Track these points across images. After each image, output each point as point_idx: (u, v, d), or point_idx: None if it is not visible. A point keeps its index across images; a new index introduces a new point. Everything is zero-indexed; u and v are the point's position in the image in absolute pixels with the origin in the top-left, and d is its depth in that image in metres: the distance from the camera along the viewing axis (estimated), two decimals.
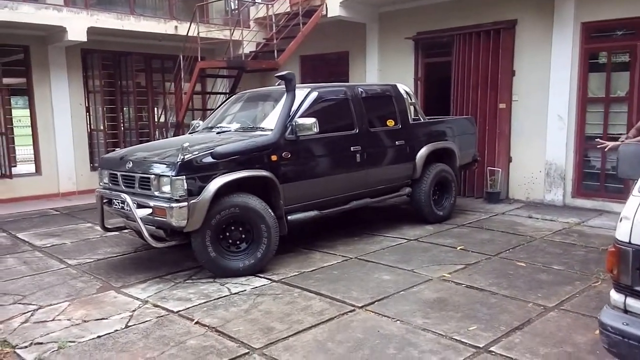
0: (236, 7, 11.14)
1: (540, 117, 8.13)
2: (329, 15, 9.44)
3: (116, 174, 5.42)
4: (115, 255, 6.03)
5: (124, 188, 5.31)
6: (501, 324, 3.85)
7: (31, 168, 10.21)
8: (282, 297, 4.54)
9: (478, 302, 4.30)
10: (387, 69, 9.99)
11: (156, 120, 11.22)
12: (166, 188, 4.83)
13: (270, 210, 5.19)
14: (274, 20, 9.49)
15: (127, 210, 5.02)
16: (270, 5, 9.75)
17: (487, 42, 8.41)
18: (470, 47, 8.60)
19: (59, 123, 9.88)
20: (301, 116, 5.60)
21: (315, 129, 5.45)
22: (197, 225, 4.84)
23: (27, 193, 9.61)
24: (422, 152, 6.95)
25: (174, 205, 4.73)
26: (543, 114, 8.09)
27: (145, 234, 4.86)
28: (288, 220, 5.51)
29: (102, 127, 10.44)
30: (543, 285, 4.68)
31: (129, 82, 10.76)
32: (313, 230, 6.71)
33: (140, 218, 4.87)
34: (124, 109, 10.88)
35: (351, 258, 5.65)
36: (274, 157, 5.33)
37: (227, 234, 5.11)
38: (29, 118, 9.84)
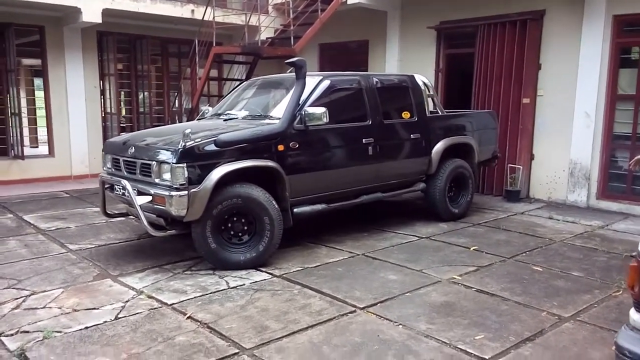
0: None
1: (566, 114, 7.74)
2: (349, 2, 9.14)
3: (119, 159, 5.27)
4: (117, 241, 5.90)
5: (125, 174, 5.16)
6: (511, 334, 3.59)
7: (44, 150, 10.18)
8: (281, 293, 4.33)
9: (488, 308, 4.04)
10: (407, 60, 9.66)
11: (172, 105, 11.09)
12: (166, 175, 4.66)
13: (274, 202, 4.99)
14: (291, 5, 9.21)
15: (128, 196, 4.86)
16: None
17: (512, 33, 8.02)
18: (495, 38, 8.22)
19: (73, 105, 9.82)
20: (311, 105, 5.36)
21: (325, 119, 5.21)
22: (198, 215, 4.66)
23: (40, 175, 9.58)
24: (439, 146, 6.65)
25: (173, 193, 4.55)
26: (569, 111, 7.70)
27: (145, 222, 4.70)
28: (294, 213, 5.31)
29: (116, 111, 10.34)
30: (560, 292, 4.39)
31: (144, 66, 10.64)
32: (322, 223, 6.50)
33: (140, 205, 4.70)
34: (139, 93, 10.77)
35: (358, 255, 5.42)
36: (280, 147, 5.11)
37: (229, 225, 4.92)
38: (43, 100, 9.79)
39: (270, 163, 5.03)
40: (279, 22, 10.24)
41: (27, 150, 9.82)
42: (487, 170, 8.47)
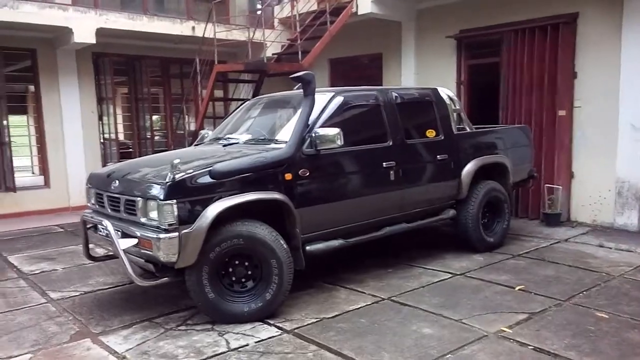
0: (260, 5, 10.26)
1: (609, 126, 6.90)
2: (359, 13, 8.48)
3: (102, 195, 4.54)
4: (106, 287, 5.15)
5: (109, 212, 4.43)
6: None
7: (39, 180, 9.52)
8: (292, 357, 3.53)
9: None
10: (425, 72, 8.92)
11: (174, 128, 10.43)
12: (153, 214, 3.91)
13: (282, 242, 4.21)
14: (297, 18, 8.53)
15: (110, 239, 4.12)
16: (295, 2, 8.82)
17: (542, 40, 7.24)
18: (523, 46, 7.45)
19: (69, 132, 9.19)
20: (322, 125, 4.61)
21: (340, 141, 4.45)
22: (192, 260, 3.90)
23: (34, 207, 8.92)
24: (469, 167, 5.85)
25: (162, 235, 3.80)
26: (612, 123, 6.86)
27: (129, 270, 3.94)
28: (306, 252, 4.52)
29: (115, 137, 9.69)
30: (637, 349, 3.53)
31: (144, 88, 10.01)
32: (338, 258, 5.69)
33: (124, 250, 3.95)
34: (140, 116, 10.12)
35: (383, 299, 4.60)
36: (288, 176, 4.35)
37: (230, 269, 4.15)
38: (33, 127, 9.17)
39: (276, 195, 4.26)
40: (286, 37, 9.57)
41: (20, 181, 9.16)
42: (520, 191, 7.63)
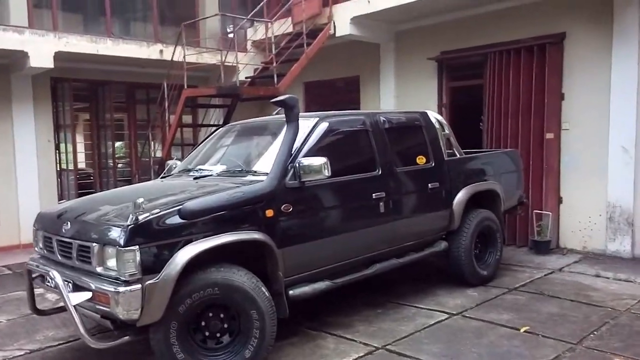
0: (231, 28, 9.83)
1: (599, 149, 6.64)
2: (337, 35, 8.13)
3: (51, 239, 3.93)
4: (56, 343, 4.47)
5: (59, 259, 3.82)
6: None
7: None
8: None
9: None
10: (405, 95, 8.60)
11: (140, 156, 9.79)
12: (111, 263, 3.33)
13: (264, 289, 3.67)
14: (273, 39, 8.12)
15: (59, 292, 3.51)
16: (269, 25, 8.41)
17: (528, 61, 7.00)
18: (508, 67, 7.19)
19: (22, 164, 8.41)
20: (307, 155, 4.14)
21: (327, 172, 3.98)
22: (157, 316, 3.32)
23: None
24: (461, 196, 5.46)
25: (121, 289, 3.22)
26: (602, 146, 6.60)
27: (81, 329, 3.32)
28: (289, 297, 3.99)
29: (73, 167, 8.98)
30: None
31: (107, 114, 9.36)
32: (320, 297, 5.11)
33: (75, 306, 3.35)
34: (102, 144, 9.44)
35: (377, 348, 4.09)
36: (269, 212, 3.84)
37: (203, 323, 3.58)
38: None
39: (256, 235, 3.74)
40: (259, 60, 9.13)
41: None
42: (507, 217, 7.26)
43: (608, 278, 5.75)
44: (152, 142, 9.52)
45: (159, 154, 9.49)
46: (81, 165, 9.43)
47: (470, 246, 5.48)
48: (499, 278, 5.84)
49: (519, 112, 7.13)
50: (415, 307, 5.03)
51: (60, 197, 8.64)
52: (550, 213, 6.96)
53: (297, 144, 4.11)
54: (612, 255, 6.60)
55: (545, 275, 5.97)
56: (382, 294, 5.41)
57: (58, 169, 9.00)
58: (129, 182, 9.04)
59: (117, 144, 9.77)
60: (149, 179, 9.15)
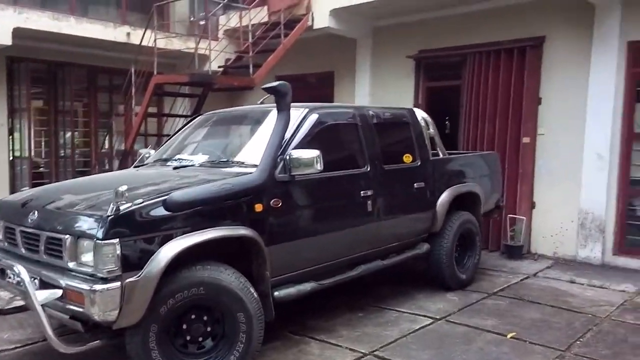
0: (203, 14, 9.41)
1: (573, 155, 6.68)
2: (315, 27, 7.90)
3: (14, 230, 3.53)
4: (12, 346, 4.04)
5: (23, 252, 3.44)
6: None
7: None
8: None
9: None
10: (381, 94, 8.45)
11: (100, 147, 9.25)
12: (87, 257, 3.00)
13: (252, 290, 3.42)
14: (250, 28, 7.81)
15: (24, 289, 3.13)
16: (246, 12, 8.09)
17: (508, 63, 6.99)
18: (487, 69, 7.16)
19: None
20: (297, 147, 3.91)
21: (319, 166, 3.76)
22: (137, 318, 3.01)
23: None
24: (444, 197, 5.35)
25: (98, 287, 2.89)
26: (577, 151, 6.65)
27: (49, 332, 2.97)
28: (275, 298, 3.75)
29: (28, 155, 8.37)
30: None
31: (66, 100, 8.78)
32: (301, 300, 4.90)
33: (42, 306, 2.99)
34: (59, 132, 8.84)
35: (365, 354, 3.90)
36: (258, 207, 3.59)
37: (184, 326, 3.29)
38: None
39: (243, 231, 3.48)
40: (231, 50, 8.79)
41: None
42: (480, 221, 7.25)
43: (583, 284, 5.77)
44: (115, 133, 9.01)
45: (121, 145, 9.00)
46: (36, 153, 8.81)
47: (451, 249, 5.38)
48: (476, 282, 5.78)
49: (496, 115, 7.11)
50: (397, 310, 4.88)
51: (13, 187, 8.02)
52: (524, 218, 6.98)
53: (287, 135, 3.87)
54: (582, 261, 6.65)
55: (521, 280, 5.95)
56: (362, 296, 5.23)
57: (11, 157, 8.36)
58: (88, 174, 8.51)
59: (76, 133, 9.18)
60: (110, 171, 8.68)
